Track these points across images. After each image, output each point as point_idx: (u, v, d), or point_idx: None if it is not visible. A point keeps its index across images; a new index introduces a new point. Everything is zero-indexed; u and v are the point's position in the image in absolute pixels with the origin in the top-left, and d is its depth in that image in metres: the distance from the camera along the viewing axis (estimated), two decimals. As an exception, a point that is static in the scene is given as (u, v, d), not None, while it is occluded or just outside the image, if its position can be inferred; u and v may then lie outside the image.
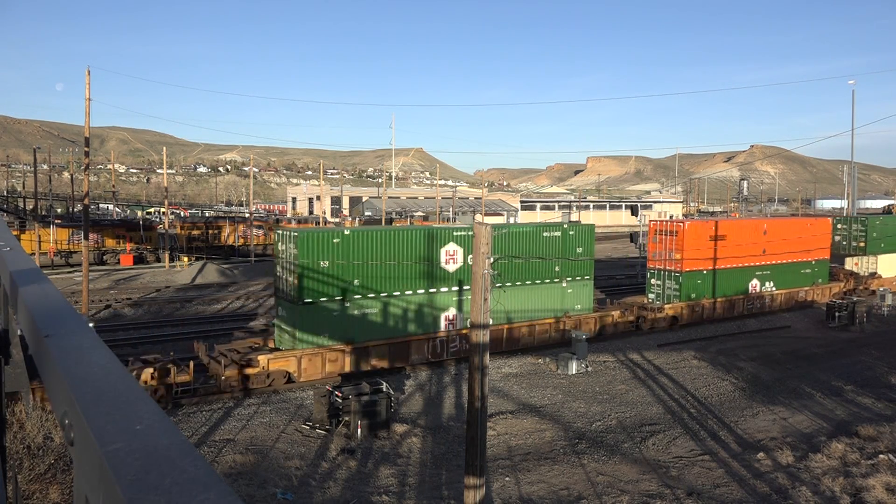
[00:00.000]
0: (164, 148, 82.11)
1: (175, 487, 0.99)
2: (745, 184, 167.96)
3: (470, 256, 26.32)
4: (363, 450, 18.94)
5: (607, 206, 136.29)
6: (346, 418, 19.81)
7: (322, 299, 23.95)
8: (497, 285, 25.59)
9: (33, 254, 47.95)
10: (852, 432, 20.40)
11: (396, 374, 25.66)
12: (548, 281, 30.13)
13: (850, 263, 48.22)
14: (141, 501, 0.95)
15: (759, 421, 22.19)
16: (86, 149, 34.40)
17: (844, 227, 48.30)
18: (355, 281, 24.63)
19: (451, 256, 27.09)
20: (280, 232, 24.89)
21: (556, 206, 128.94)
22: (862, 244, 47.40)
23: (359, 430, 19.56)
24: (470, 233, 27.23)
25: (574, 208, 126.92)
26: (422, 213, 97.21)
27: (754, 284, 38.74)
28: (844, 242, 48.21)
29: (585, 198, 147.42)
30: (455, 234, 27.28)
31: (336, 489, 16.62)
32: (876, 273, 47.47)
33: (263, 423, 20.66)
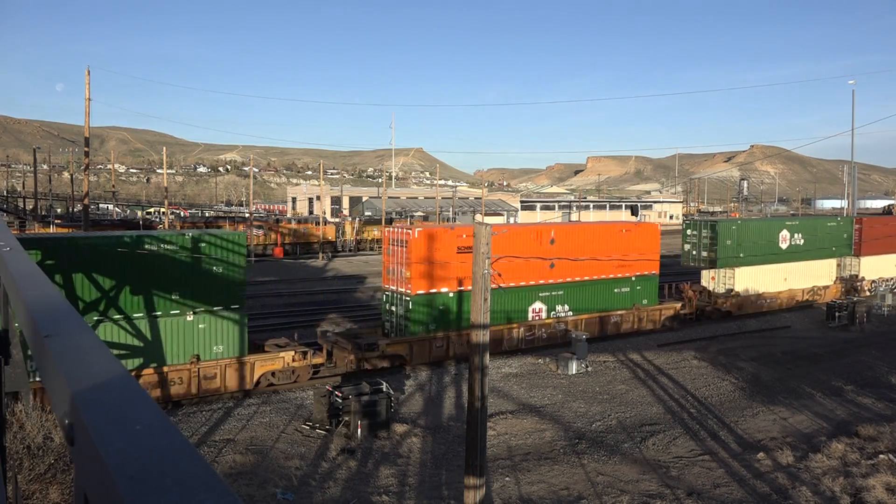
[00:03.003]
0: (164, 148, 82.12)
1: (175, 487, 0.99)
2: (745, 184, 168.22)
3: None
4: (363, 450, 18.94)
5: (607, 206, 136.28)
6: (347, 418, 19.81)
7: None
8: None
9: (33, 254, 47.94)
10: (852, 432, 20.40)
11: (396, 374, 25.67)
12: None
13: (708, 277, 39.05)
14: (141, 501, 0.95)
15: (760, 421, 22.19)
16: (86, 149, 34.42)
17: (694, 233, 38.54)
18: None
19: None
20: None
21: (556, 206, 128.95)
22: (711, 255, 37.62)
23: (359, 430, 19.56)
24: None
25: (574, 208, 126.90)
26: (422, 213, 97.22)
27: (537, 309, 29.99)
28: (694, 252, 38.46)
29: (585, 198, 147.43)
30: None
31: (336, 489, 16.62)
32: (732, 290, 38.33)
33: (263, 423, 20.66)
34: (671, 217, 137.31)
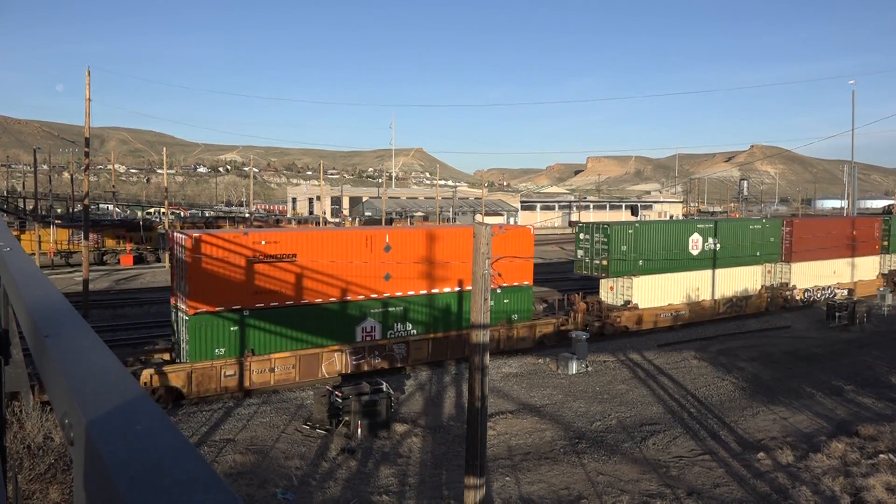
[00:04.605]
0: (164, 148, 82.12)
1: (175, 487, 0.99)
2: (745, 184, 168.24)
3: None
4: (363, 450, 18.94)
5: (607, 206, 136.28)
6: (347, 418, 19.82)
7: None
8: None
9: (33, 254, 47.95)
10: (852, 432, 20.40)
11: (397, 374, 25.67)
12: None
13: (606, 287, 35.32)
14: (141, 501, 0.95)
15: (760, 421, 22.19)
16: (86, 149, 34.42)
17: (586, 237, 34.37)
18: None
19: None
20: None
21: (557, 207, 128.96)
22: (604, 262, 33.38)
23: (359, 430, 19.56)
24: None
25: (574, 208, 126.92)
26: (422, 213, 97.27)
27: (369, 328, 25.39)
28: (587, 259, 34.31)
29: (585, 198, 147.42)
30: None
31: (336, 489, 16.63)
32: (631, 301, 34.34)
33: (264, 423, 20.67)
34: (671, 217, 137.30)
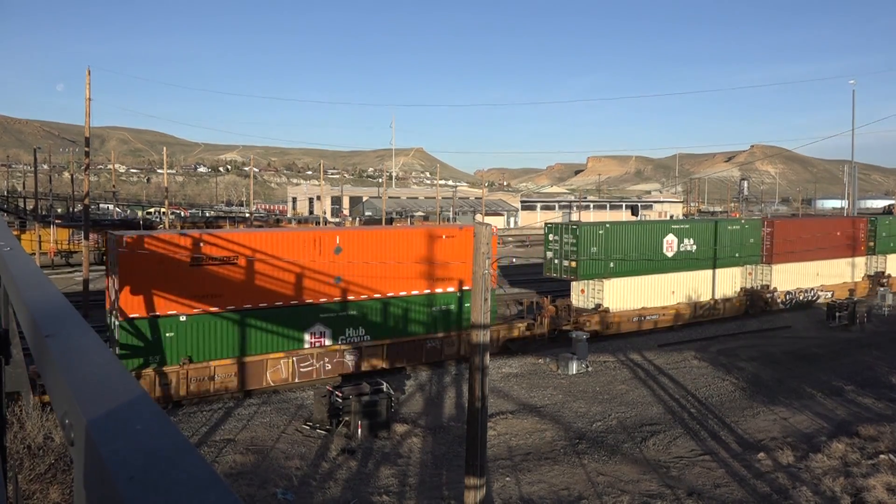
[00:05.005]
0: (165, 148, 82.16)
1: (175, 487, 0.99)
2: (745, 184, 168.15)
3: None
4: (363, 450, 18.95)
5: (607, 206, 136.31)
6: (347, 418, 19.83)
7: None
8: None
9: (33, 254, 47.97)
10: (853, 432, 20.40)
11: (397, 374, 25.67)
12: None
13: (577, 291, 34.17)
14: (141, 501, 0.95)
15: (760, 421, 22.19)
16: (86, 149, 34.45)
17: (555, 238, 33.37)
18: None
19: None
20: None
21: (557, 206, 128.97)
22: (573, 264, 32.47)
23: (359, 430, 19.57)
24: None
25: (574, 208, 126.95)
26: (422, 213, 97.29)
27: (318, 333, 24.17)
28: (556, 261, 33.40)
29: (586, 198, 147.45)
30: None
31: (336, 489, 16.63)
32: (601, 306, 33.08)
33: (264, 423, 20.68)
34: (671, 217, 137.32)
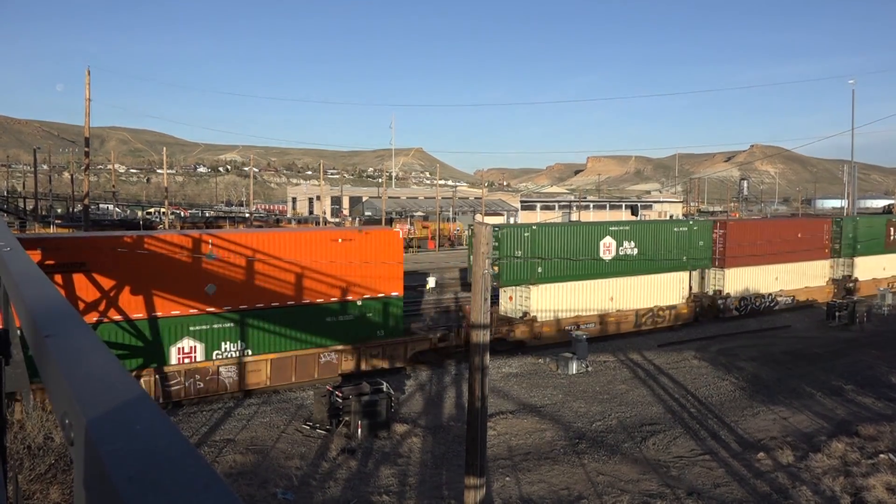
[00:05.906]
0: (164, 148, 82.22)
1: (175, 487, 0.99)
2: (745, 183, 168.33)
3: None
4: (363, 450, 18.95)
5: (607, 206, 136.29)
6: (347, 418, 19.83)
7: None
8: None
9: (33, 254, 47.92)
10: (853, 432, 20.40)
11: (397, 374, 25.67)
12: None
13: (506, 297, 32.04)
14: (141, 501, 0.95)
15: (760, 420, 22.19)
16: (86, 149, 34.45)
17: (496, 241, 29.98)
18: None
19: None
20: None
21: (557, 206, 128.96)
22: (495, 268, 27.92)
23: (359, 430, 19.57)
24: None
25: (574, 208, 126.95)
26: (422, 213, 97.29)
27: (187, 349, 22.12)
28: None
29: (585, 198, 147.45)
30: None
31: (336, 489, 16.63)
32: (527, 314, 30.68)
33: (264, 423, 20.69)
34: (671, 216, 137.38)
